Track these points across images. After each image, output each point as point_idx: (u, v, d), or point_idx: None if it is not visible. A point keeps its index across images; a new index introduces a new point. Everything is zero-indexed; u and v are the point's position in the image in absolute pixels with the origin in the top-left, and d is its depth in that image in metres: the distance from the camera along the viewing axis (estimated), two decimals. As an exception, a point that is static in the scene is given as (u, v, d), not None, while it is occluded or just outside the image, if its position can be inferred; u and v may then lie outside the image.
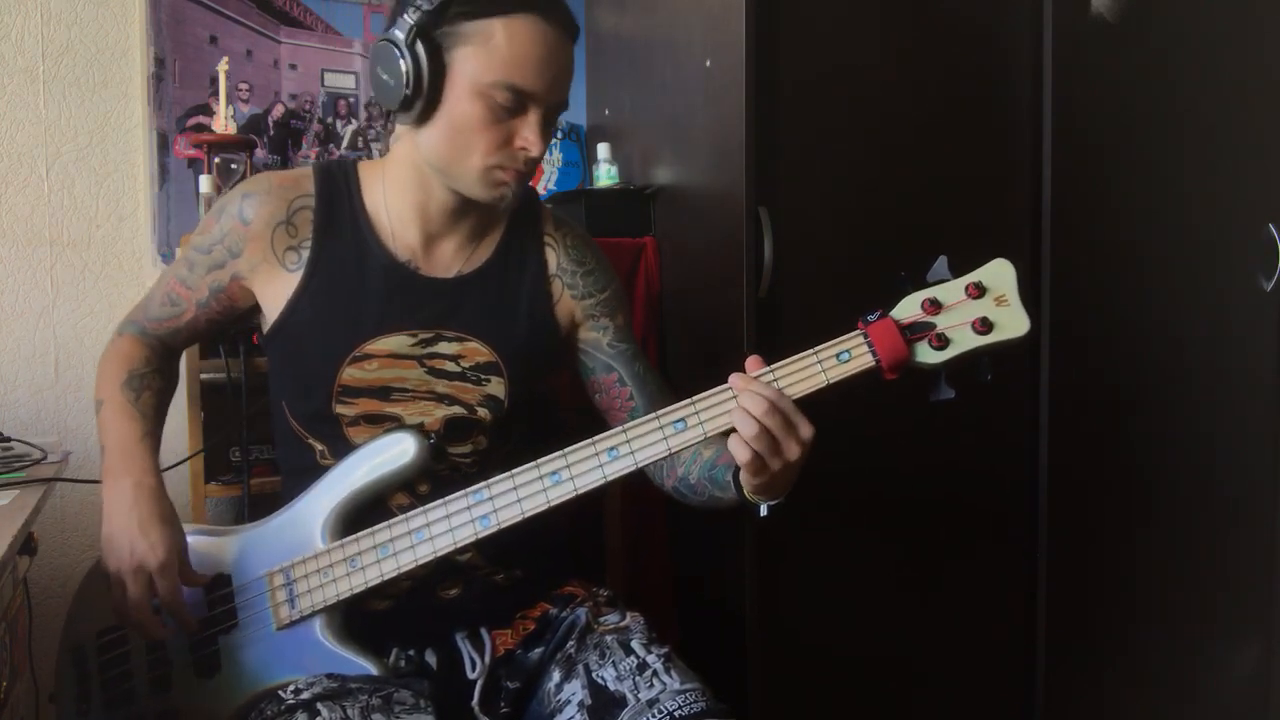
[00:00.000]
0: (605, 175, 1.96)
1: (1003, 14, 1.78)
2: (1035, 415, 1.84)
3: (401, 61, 1.07)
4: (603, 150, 1.97)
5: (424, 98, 1.08)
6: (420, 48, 1.07)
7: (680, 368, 1.83)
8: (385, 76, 1.10)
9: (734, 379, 1.04)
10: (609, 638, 1.19)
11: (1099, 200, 1.85)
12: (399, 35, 1.07)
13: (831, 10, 1.66)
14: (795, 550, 1.67)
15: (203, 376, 1.55)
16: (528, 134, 1.09)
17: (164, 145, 1.87)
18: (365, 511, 1.15)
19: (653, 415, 1.06)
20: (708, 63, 1.67)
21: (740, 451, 1.02)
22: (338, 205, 1.19)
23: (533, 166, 1.12)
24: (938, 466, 1.77)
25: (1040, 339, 1.82)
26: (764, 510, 1.11)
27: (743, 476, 1.06)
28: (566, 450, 1.07)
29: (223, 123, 1.82)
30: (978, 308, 1.04)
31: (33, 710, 1.47)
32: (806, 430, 1.03)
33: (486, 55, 1.06)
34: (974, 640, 1.83)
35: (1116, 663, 1.94)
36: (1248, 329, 1.98)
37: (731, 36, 1.59)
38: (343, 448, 1.17)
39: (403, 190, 1.18)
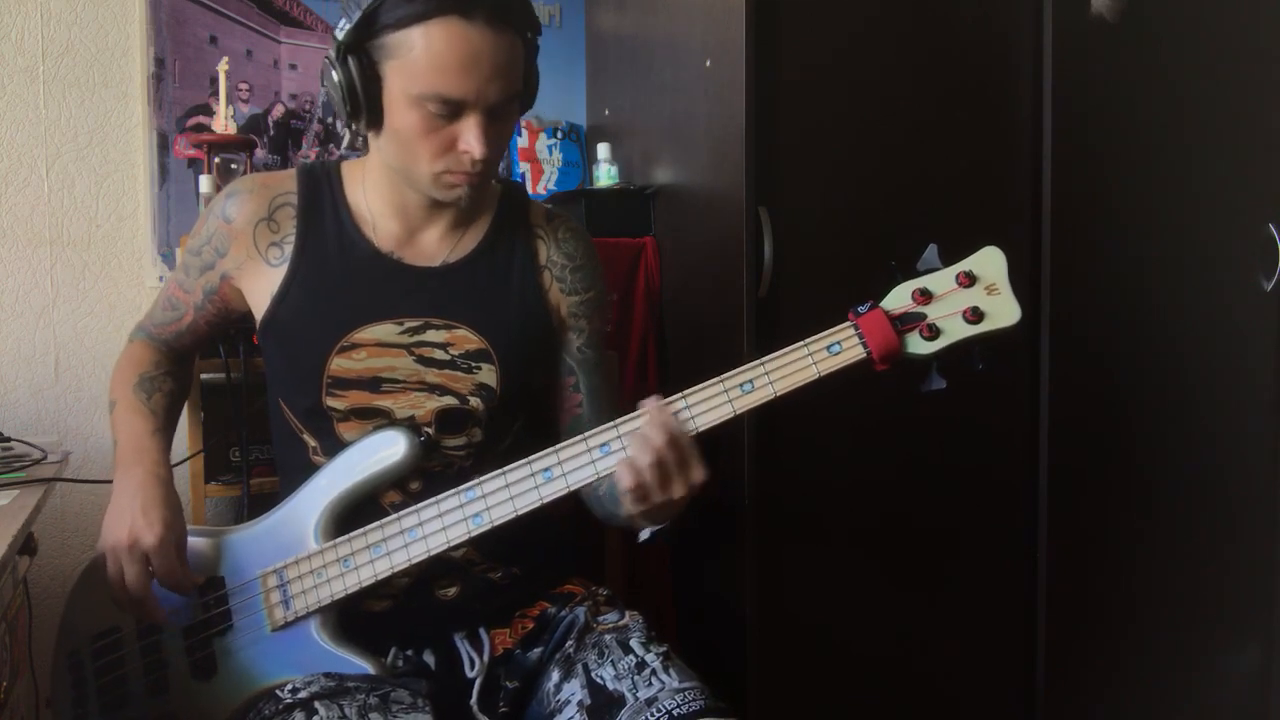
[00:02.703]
0: (605, 175, 1.96)
1: (1003, 14, 1.78)
2: (1035, 415, 1.84)
3: (336, 77, 1.09)
4: (603, 150, 1.97)
5: (364, 111, 1.09)
6: (351, 64, 1.07)
7: (680, 368, 1.83)
8: (330, 90, 1.11)
9: (648, 403, 1.05)
10: (608, 637, 1.19)
11: (1099, 201, 1.85)
12: (331, 53, 1.09)
13: (832, 11, 1.66)
14: (794, 549, 1.67)
15: (203, 376, 1.56)
16: (469, 138, 1.08)
17: (164, 145, 1.87)
18: (358, 510, 1.15)
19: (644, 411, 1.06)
20: (708, 63, 1.67)
21: (625, 477, 1.03)
22: (320, 200, 1.20)
23: (484, 167, 1.10)
24: (937, 466, 1.77)
25: (1040, 340, 1.82)
26: (644, 535, 1.12)
27: (625, 501, 1.06)
28: (559, 446, 1.07)
29: (223, 123, 1.82)
30: (968, 297, 1.04)
31: (33, 710, 1.47)
32: (698, 474, 1.04)
33: (410, 67, 1.05)
34: (974, 641, 1.83)
35: (1116, 664, 1.93)
36: (1248, 329, 1.98)
37: (731, 36, 1.59)
38: (334, 444, 1.17)
39: (380, 188, 1.19)
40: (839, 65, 1.68)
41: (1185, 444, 1.96)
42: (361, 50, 1.07)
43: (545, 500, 1.07)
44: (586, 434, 1.07)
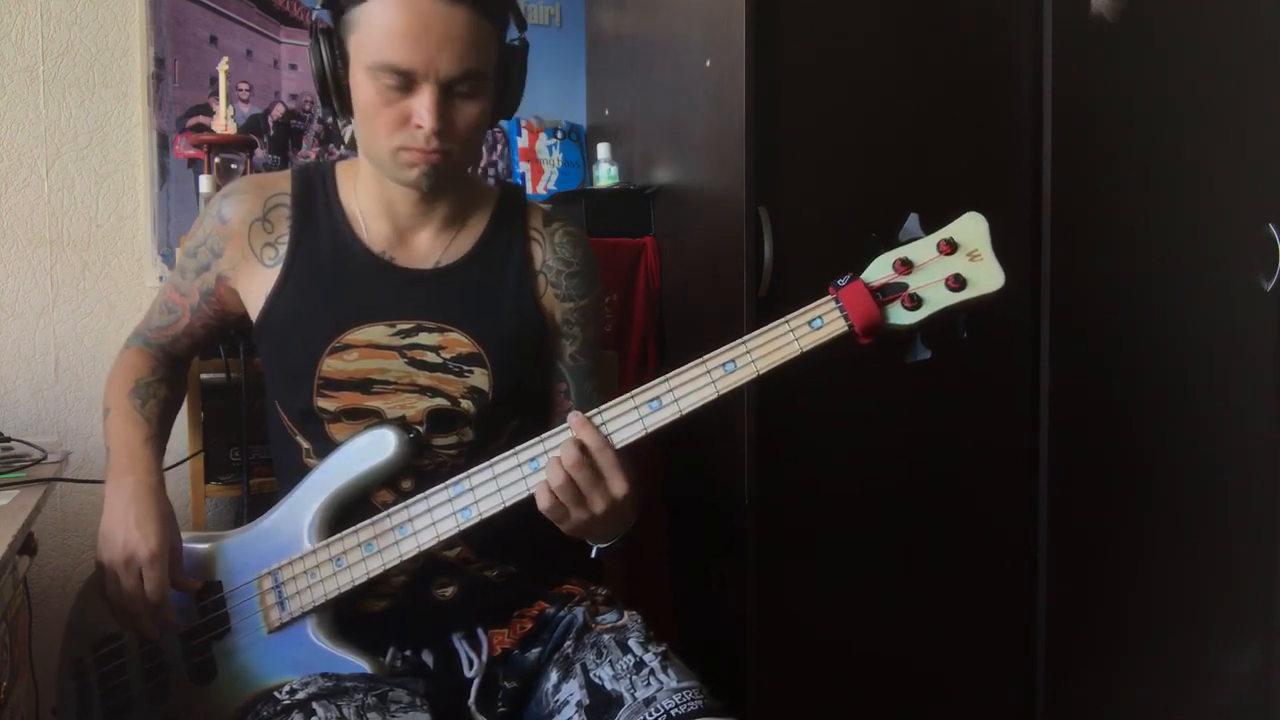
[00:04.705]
0: (605, 175, 1.96)
1: (1003, 14, 1.78)
2: (1035, 415, 1.84)
3: (310, 61, 1.11)
4: (603, 150, 1.97)
5: (334, 93, 1.11)
6: (322, 44, 1.10)
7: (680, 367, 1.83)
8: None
9: (572, 418, 1.06)
10: (606, 637, 1.19)
11: (1099, 201, 1.85)
12: (309, 37, 1.11)
13: (832, 11, 1.66)
14: (794, 549, 1.67)
15: (203, 376, 1.56)
16: (420, 110, 1.07)
17: (164, 145, 1.87)
18: (351, 510, 1.15)
19: (627, 396, 1.06)
20: (708, 63, 1.67)
21: (542, 497, 1.05)
22: (313, 201, 1.21)
23: (439, 141, 1.08)
24: (937, 466, 1.77)
25: (1040, 340, 1.82)
26: (594, 551, 1.13)
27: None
28: (544, 436, 1.07)
29: (223, 123, 1.82)
30: (950, 264, 1.03)
31: (32, 711, 1.47)
32: (619, 487, 1.05)
33: (366, 37, 1.07)
34: (974, 640, 1.83)
35: (1116, 664, 1.93)
36: (1248, 329, 1.98)
37: (731, 36, 1.59)
38: (325, 446, 1.17)
39: (369, 185, 1.20)
40: (839, 65, 1.67)
41: (1185, 444, 1.96)
42: (332, 31, 1.09)
43: (533, 490, 1.07)
44: (518, 448, 1.07)
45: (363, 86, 1.08)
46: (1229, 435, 1.99)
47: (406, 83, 1.07)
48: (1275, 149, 1.96)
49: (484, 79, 1.11)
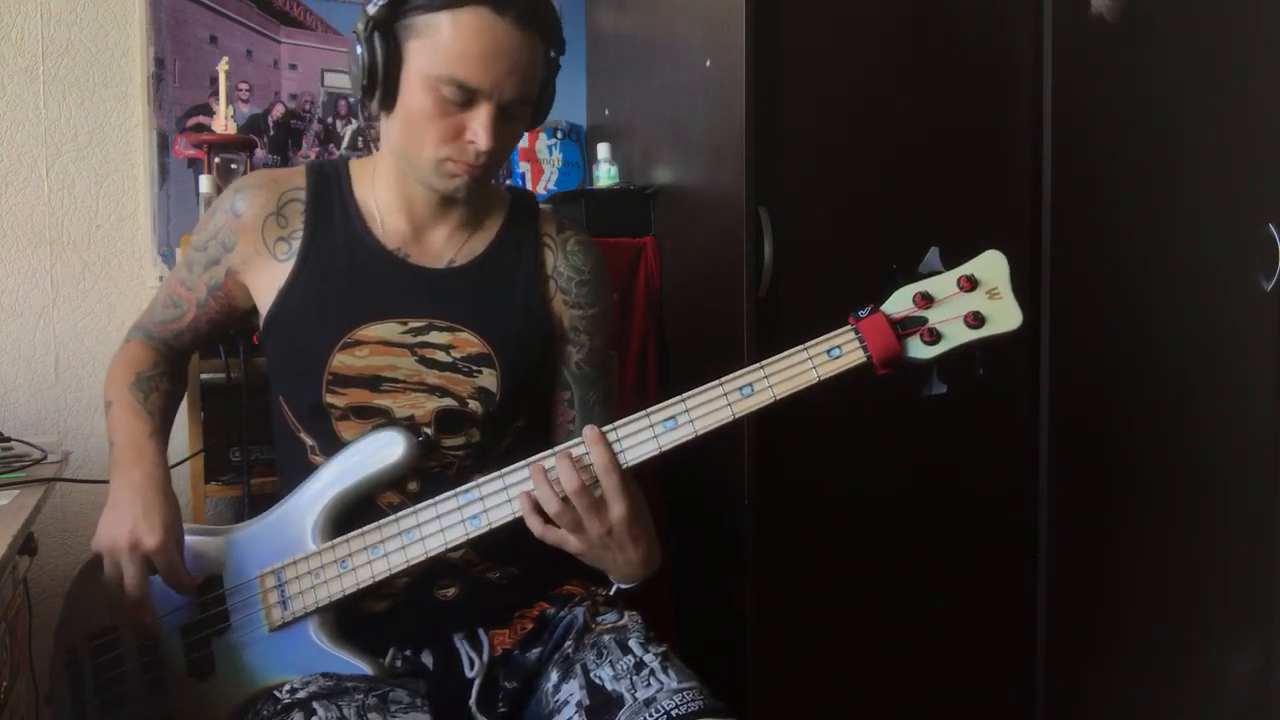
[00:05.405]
0: (605, 175, 1.96)
1: (1003, 14, 1.78)
2: (1035, 415, 1.84)
3: (360, 52, 1.10)
4: (603, 150, 1.97)
5: (380, 88, 1.10)
6: (376, 39, 1.08)
7: (680, 368, 1.83)
8: (352, 65, 1.13)
9: (587, 432, 1.05)
10: (606, 637, 1.18)
11: (1099, 201, 1.85)
12: (359, 27, 1.10)
13: (831, 11, 1.66)
14: (794, 549, 1.67)
15: (203, 376, 1.55)
16: (477, 128, 1.09)
17: (164, 145, 1.87)
18: (356, 510, 1.15)
19: (643, 414, 1.06)
20: (708, 63, 1.67)
21: (534, 523, 1.06)
22: (328, 197, 1.21)
23: (487, 159, 1.11)
24: (937, 467, 1.77)
25: (1040, 340, 1.82)
26: (613, 589, 1.14)
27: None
28: (556, 449, 1.07)
29: (223, 123, 1.82)
30: (970, 301, 1.03)
31: (32, 710, 1.47)
32: (617, 510, 1.05)
33: (433, 49, 1.07)
34: (974, 641, 1.83)
35: (1116, 664, 1.93)
36: (1248, 329, 1.98)
37: (731, 37, 1.59)
38: (332, 444, 1.17)
39: (389, 182, 1.20)
40: (839, 65, 1.68)
41: (1185, 444, 1.96)
42: (388, 28, 1.08)
43: None
44: (530, 459, 1.07)
45: (417, 94, 1.09)
46: (1229, 435, 1.99)
47: (467, 99, 1.08)
48: (1275, 149, 1.96)
49: (531, 100, 1.14)
